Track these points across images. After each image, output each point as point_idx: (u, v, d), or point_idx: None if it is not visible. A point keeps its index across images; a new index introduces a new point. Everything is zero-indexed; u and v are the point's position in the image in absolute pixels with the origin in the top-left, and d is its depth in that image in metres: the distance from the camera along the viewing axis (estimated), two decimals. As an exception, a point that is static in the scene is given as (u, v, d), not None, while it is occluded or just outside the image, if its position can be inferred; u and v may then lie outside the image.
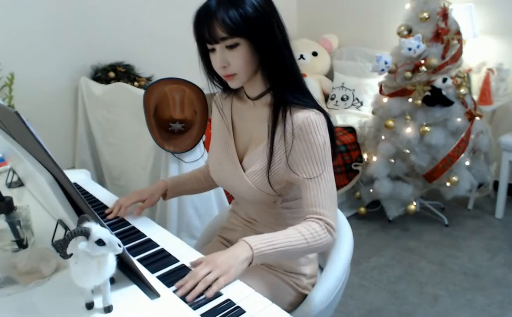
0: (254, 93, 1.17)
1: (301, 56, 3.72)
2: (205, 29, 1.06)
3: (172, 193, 1.40)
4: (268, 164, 1.12)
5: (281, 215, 1.22)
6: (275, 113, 1.12)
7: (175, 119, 1.97)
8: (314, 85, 3.65)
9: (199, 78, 1.28)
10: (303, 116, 1.07)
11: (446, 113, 2.58)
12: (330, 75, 3.82)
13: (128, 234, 1.21)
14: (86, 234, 0.80)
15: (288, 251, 1.03)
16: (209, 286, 0.93)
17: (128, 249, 1.11)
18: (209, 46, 1.09)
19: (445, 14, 2.58)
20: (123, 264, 0.94)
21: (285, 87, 1.11)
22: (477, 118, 2.66)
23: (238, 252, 0.99)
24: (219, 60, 1.07)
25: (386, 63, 2.59)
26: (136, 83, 3.00)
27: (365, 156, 2.98)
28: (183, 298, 0.91)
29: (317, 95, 3.63)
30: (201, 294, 0.92)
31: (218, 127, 1.30)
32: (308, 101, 1.11)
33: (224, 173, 1.24)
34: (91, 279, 0.83)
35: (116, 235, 0.94)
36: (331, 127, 1.13)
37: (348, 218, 1.90)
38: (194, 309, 0.88)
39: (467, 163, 2.70)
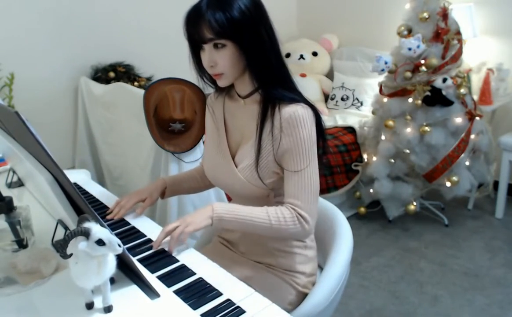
0: (243, 92, 1.21)
1: (301, 56, 3.71)
2: (194, 29, 1.10)
3: (170, 192, 1.42)
4: (256, 158, 1.16)
5: None
6: (264, 110, 1.16)
7: (175, 119, 1.97)
8: (314, 85, 3.65)
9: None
10: (290, 111, 1.11)
11: (446, 113, 2.57)
12: (330, 75, 3.82)
13: (128, 234, 1.21)
14: (86, 234, 0.80)
15: (248, 224, 1.12)
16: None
17: (128, 249, 1.11)
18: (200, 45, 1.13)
19: (445, 14, 2.58)
20: (123, 264, 0.94)
21: (273, 86, 1.14)
22: (477, 118, 2.66)
23: (203, 211, 1.13)
24: (207, 59, 1.13)
25: (386, 63, 2.59)
26: (136, 83, 3.00)
27: (365, 156, 2.97)
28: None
29: (317, 95, 3.63)
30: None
31: (211, 127, 1.33)
32: (296, 97, 1.15)
33: (218, 170, 1.27)
34: (91, 279, 0.83)
35: (116, 235, 0.94)
36: (319, 121, 1.16)
37: (348, 218, 1.90)
38: (194, 309, 0.88)
39: (467, 163, 2.70)
